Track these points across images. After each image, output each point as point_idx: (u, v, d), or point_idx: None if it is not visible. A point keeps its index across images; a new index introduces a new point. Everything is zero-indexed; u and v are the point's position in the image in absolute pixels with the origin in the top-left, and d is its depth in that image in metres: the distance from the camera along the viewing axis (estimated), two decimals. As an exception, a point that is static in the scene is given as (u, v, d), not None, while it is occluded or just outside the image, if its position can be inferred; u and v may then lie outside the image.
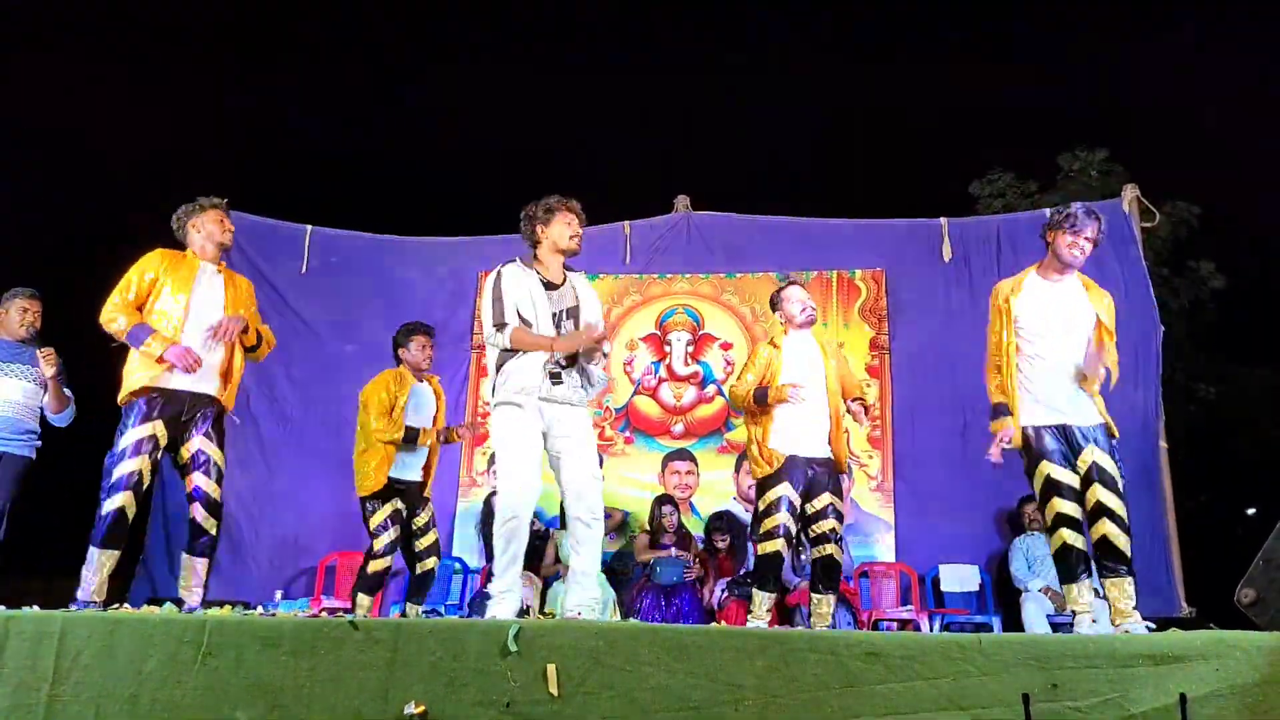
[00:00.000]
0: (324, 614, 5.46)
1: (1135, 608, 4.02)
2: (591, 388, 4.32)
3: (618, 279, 7.96)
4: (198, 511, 4.47)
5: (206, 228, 4.67)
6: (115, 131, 14.21)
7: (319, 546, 7.18)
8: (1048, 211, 7.58)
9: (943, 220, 7.61)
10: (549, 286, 4.31)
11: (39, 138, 13.55)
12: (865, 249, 7.75)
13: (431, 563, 5.56)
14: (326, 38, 18.32)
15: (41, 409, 5.17)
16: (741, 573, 6.45)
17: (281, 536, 7.25)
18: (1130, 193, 7.46)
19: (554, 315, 4.25)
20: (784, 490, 4.94)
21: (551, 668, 2.90)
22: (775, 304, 5.34)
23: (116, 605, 4.00)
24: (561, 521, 6.72)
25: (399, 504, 5.43)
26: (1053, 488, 4.10)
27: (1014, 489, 6.50)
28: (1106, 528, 4.04)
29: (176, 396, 4.42)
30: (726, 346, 7.72)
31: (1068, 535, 4.06)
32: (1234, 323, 13.42)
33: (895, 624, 6.21)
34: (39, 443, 5.18)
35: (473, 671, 2.95)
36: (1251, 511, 14.26)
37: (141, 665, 3.10)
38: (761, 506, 5.04)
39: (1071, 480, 4.10)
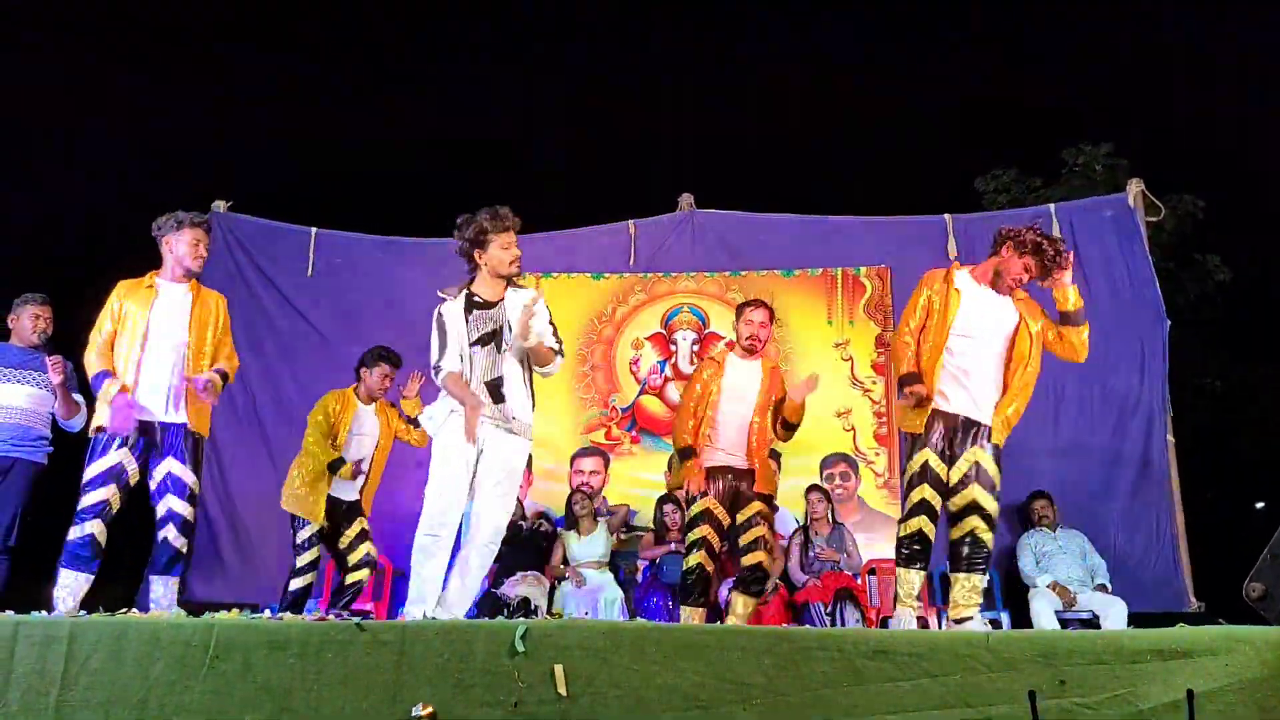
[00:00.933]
0: (331, 617, 5.51)
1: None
2: (508, 407, 4.20)
3: (623, 278, 7.96)
4: (170, 532, 4.46)
5: (178, 249, 4.59)
6: (119, 131, 14.26)
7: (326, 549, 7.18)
8: (1052, 207, 7.63)
9: (947, 217, 7.61)
10: (482, 306, 4.23)
11: (42, 138, 13.60)
12: (870, 246, 7.75)
13: (361, 574, 5.57)
14: (329, 37, 18.34)
15: (54, 415, 5.18)
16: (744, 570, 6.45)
17: (289, 539, 7.25)
18: (1135, 187, 7.46)
19: (474, 341, 4.17)
20: (708, 503, 5.03)
21: (559, 668, 2.90)
22: (738, 314, 5.33)
23: (124, 610, 4.01)
24: (568, 522, 6.73)
25: (325, 522, 5.50)
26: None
27: (1022, 485, 6.49)
28: (976, 523, 4.16)
29: (145, 427, 4.45)
30: (732, 345, 7.69)
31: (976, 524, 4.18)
32: (1240, 316, 13.38)
33: (903, 621, 6.21)
34: (50, 449, 5.20)
35: (480, 672, 2.94)
36: (1260, 506, 14.21)
37: (149, 669, 3.11)
38: (687, 518, 5.18)
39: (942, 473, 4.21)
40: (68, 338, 5.25)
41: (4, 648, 3.22)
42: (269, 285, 7.80)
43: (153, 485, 4.48)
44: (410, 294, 7.83)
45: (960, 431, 4.21)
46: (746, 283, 7.80)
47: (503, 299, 4.26)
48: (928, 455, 4.18)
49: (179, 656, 3.11)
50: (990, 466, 4.18)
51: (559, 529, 6.77)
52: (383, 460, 5.73)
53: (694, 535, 5.04)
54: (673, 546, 6.45)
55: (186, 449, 4.49)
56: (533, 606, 5.61)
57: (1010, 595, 6.57)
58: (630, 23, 18.74)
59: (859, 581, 6.38)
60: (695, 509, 5.05)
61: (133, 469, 4.44)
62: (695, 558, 5.01)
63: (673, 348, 7.82)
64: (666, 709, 2.85)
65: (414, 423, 5.69)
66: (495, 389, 4.15)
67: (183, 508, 4.46)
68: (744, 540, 5.08)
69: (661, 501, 6.71)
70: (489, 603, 5.59)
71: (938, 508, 4.22)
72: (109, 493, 4.38)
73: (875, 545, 6.97)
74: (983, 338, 4.24)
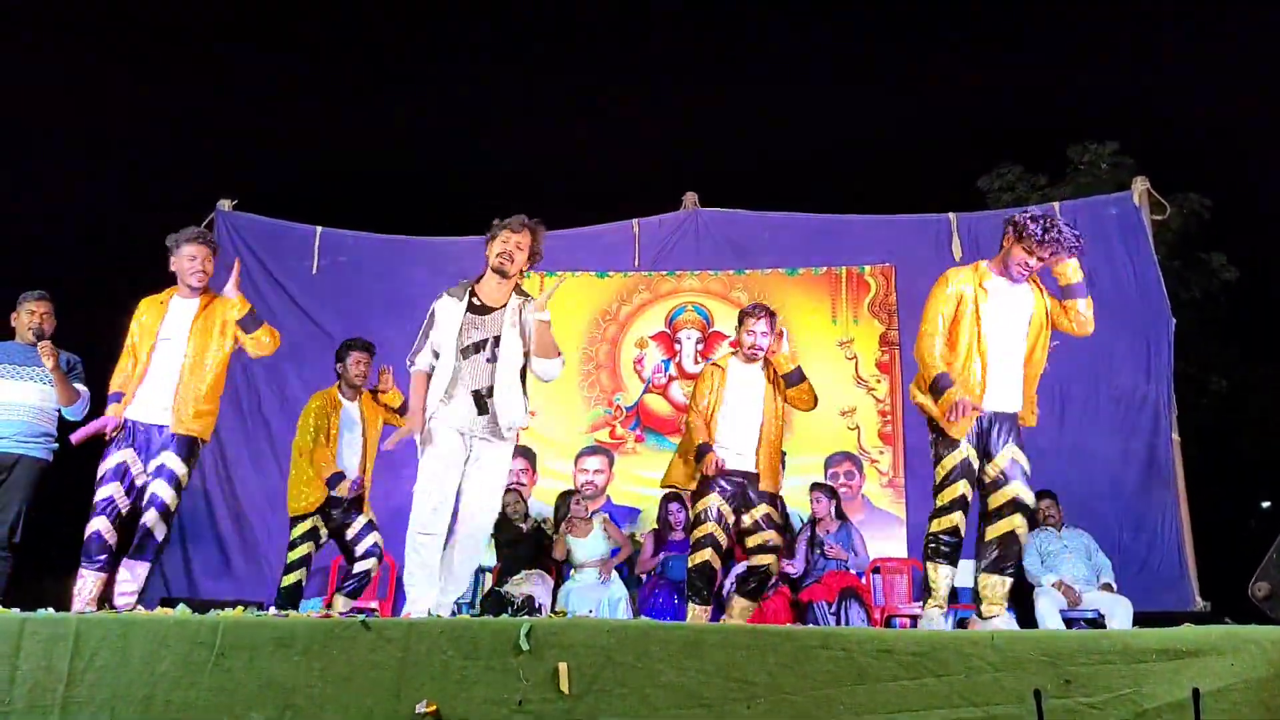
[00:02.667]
0: (338, 604, 5.53)
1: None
2: (495, 418, 4.19)
3: (627, 277, 7.96)
4: (150, 517, 4.52)
5: (181, 265, 4.73)
6: (123, 131, 14.28)
7: (332, 547, 7.19)
8: (1057, 205, 7.63)
9: (951, 215, 7.60)
10: (480, 311, 4.22)
11: (45, 138, 13.62)
12: (874, 244, 7.74)
13: (369, 564, 5.58)
14: (332, 36, 18.35)
15: (59, 410, 5.20)
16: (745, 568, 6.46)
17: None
18: (1140, 185, 7.44)
19: (465, 349, 4.17)
20: (713, 500, 4.99)
21: (563, 666, 2.90)
22: (740, 321, 5.25)
23: (130, 606, 4.03)
24: (556, 518, 6.74)
25: (318, 521, 5.53)
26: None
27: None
28: (1018, 523, 4.14)
29: (144, 427, 4.60)
30: (736, 344, 7.69)
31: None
32: (1246, 315, 13.36)
33: (907, 620, 6.20)
34: (55, 445, 5.21)
35: (484, 670, 2.94)
36: (1266, 504, 14.19)
37: (155, 666, 3.11)
38: (692, 515, 5.12)
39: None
40: (72, 335, 5.26)
41: (10, 645, 3.24)
42: (274, 284, 7.81)
43: (148, 473, 4.58)
44: (415, 292, 7.84)
45: (994, 426, 4.18)
46: (750, 281, 7.80)
47: (503, 307, 4.25)
48: (967, 451, 4.15)
49: (185, 654, 3.12)
50: (1022, 459, 4.17)
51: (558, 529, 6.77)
52: (373, 451, 5.73)
53: (700, 532, 5.00)
54: (674, 550, 6.45)
55: (184, 444, 4.60)
56: (537, 605, 5.61)
57: (1015, 595, 6.55)
58: (633, 21, 18.74)
59: (863, 581, 6.38)
60: (700, 505, 5.03)
61: (138, 469, 4.54)
62: (701, 555, 4.98)
63: (677, 347, 7.82)
64: (670, 707, 2.85)
65: (402, 410, 5.70)
66: (481, 398, 4.14)
67: (166, 494, 4.53)
68: (751, 543, 5.05)
69: (666, 500, 6.70)
70: (493, 601, 5.59)
71: (970, 504, 4.20)
72: (114, 490, 4.50)
73: (880, 544, 6.97)
74: (1010, 329, 4.23)
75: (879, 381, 7.43)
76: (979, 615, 4.24)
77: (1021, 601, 6.41)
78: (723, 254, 7.90)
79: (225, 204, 7.93)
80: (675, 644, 2.92)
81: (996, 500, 4.17)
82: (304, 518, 5.51)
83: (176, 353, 4.65)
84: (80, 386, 5.20)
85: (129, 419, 4.58)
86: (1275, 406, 13.17)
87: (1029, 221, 4.19)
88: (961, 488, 4.17)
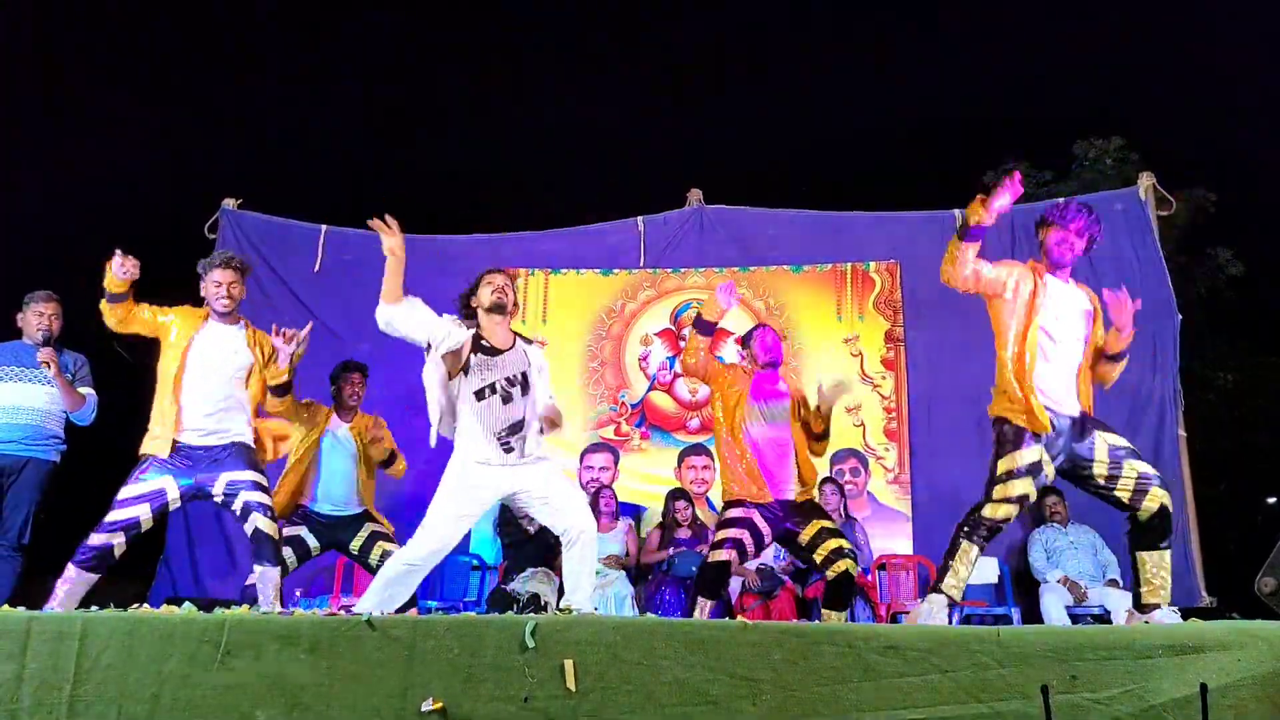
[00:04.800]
0: (342, 612, 5.52)
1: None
2: (542, 437, 4.35)
3: (632, 274, 7.96)
4: (259, 521, 4.53)
5: (208, 290, 4.76)
6: (126, 132, 14.29)
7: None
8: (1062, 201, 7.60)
9: (957, 212, 7.58)
10: (489, 353, 4.26)
11: (49, 140, 13.64)
12: (880, 241, 7.74)
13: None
14: (336, 36, 18.36)
15: (67, 413, 5.21)
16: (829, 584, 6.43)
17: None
18: (1146, 180, 7.43)
19: (494, 383, 4.21)
20: (748, 511, 4.88)
21: (569, 663, 2.91)
22: (746, 343, 5.30)
23: (136, 605, 4.03)
24: None
25: (303, 531, 5.38)
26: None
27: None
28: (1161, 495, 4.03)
29: (191, 453, 4.56)
30: (741, 341, 7.69)
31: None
32: (1252, 310, 13.32)
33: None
34: (64, 447, 5.22)
35: (490, 667, 2.95)
36: (1272, 500, 14.15)
37: (162, 665, 3.12)
38: (721, 518, 5.01)
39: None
40: (77, 337, 5.27)
41: (17, 644, 3.24)
42: (279, 283, 7.82)
43: (218, 499, 4.58)
44: (420, 290, 7.82)
45: (1074, 425, 4.14)
46: (755, 278, 7.80)
47: (512, 348, 4.31)
48: (1040, 452, 4.06)
49: (191, 652, 3.12)
50: (1118, 440, 4.13)
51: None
52: (367, 471, 5.66)
53: (728, 534, 4.86)
54: (681, 546, 6.44)
55: (240, 457, 4.61)
56: (543, 602, 5.61)
57: (1021, 591, 6.56)
58: (636, 17, 18.73)
59: (868, 577, 6.38)
60: (736, 512, 4.89)
61: (174, 496, 4.51)
62: (723, 554, 4.87)
63: (682, 344, 7.81)
64: (676, 704, 2.85)
65: (386, 464, 5.74)
66: (505, 439, 4.19)
67: (261, 497, 4.56)
68: (820, 555, 4.84)
69: (672, 496, 6.70)
70: (499, 598, 5.59)
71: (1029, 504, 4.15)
72: (142, 512, 4.45)
73: (885, 541, 6.97)
74: (1069, 329, 4.22)
75: (884, 378, 7.42)
76: (1138, 606, 4.08)
77: (1028, 598, 6.42)
78: (727, 251, 7.90)
79: (230, 203, 7.94)
80: (681, 641, 2.92)
81: (1126, 487, 4.05)
82: (286, 522, 5.38)
83: (231, 374, 4.70)
84: (87, 391, 5.20)
85: (179, 442, 4.53)
86: (1281, 402, 13.13)
87: (1048, 209, 4.27)
88: (1027, 485, 4.06)
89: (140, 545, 5.01)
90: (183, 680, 3.09)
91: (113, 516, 4.42)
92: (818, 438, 5.11)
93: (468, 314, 4.39)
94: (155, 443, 4.54)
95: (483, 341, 4.28)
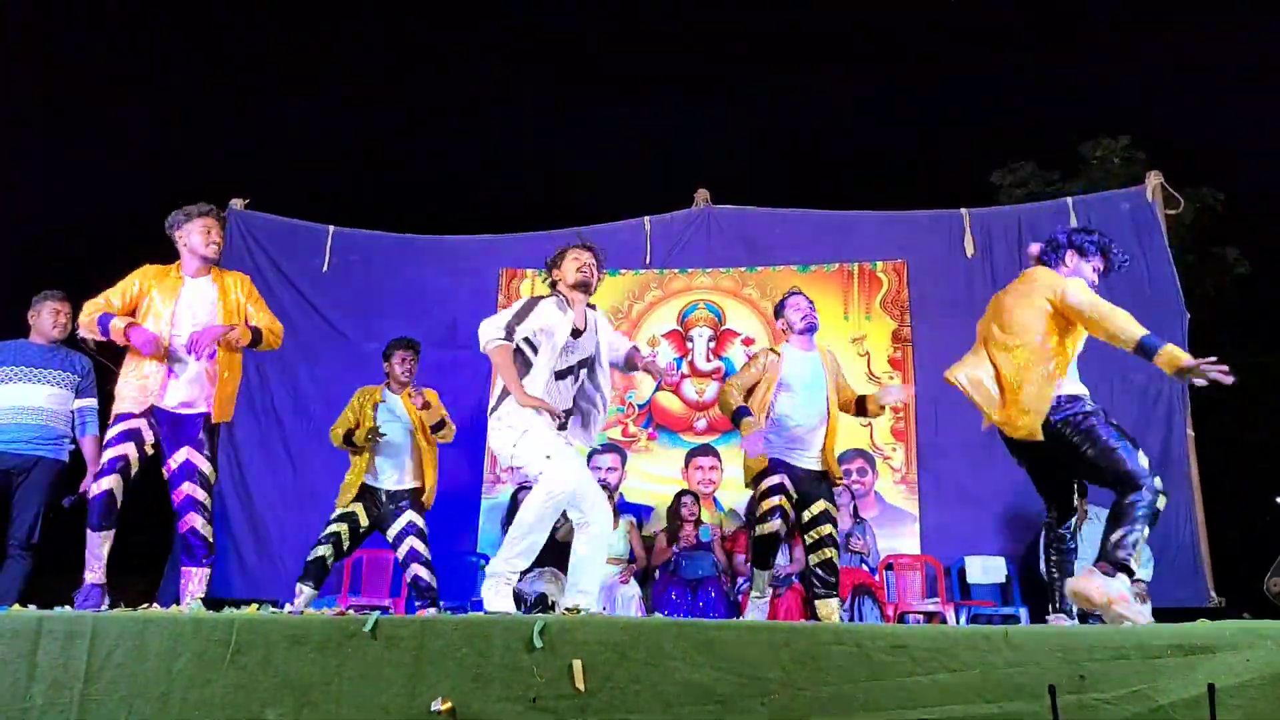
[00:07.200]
0: (351, 612, 5.54)
1: None
2: (590, 428, 4.41)
3: (638, 274, 7.97)
4: (196, 521, 4.43)
5: (190, 240, 4.56)
6: (128, 131, 14.33)
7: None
8: (1070, 200, 7.59)
9: (964, 211, 7.60)
10: (575, 334, 4.26)
11: (53, 139, 13.68)
12: (886, 240, 7.73)
13: (413, 572, 5.58)
14: (342, 35, 18.39)
15: (74, 413, 5.22)
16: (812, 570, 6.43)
17: (308, 535, 7.30)
18: (1154, 180, 7.41)
19: (561, 372, 4.22)
20: (779, 477, 5.02)
21: (577, 663, 2.91)
22: (779, 312, 5.37)
23: (146, 605, 4.05)
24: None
25: (356, 507, 5.62)
26: None
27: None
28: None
29: (163, 415, 4.44)
30: (748, 342, 7.70)
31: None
32: (1259, 309, 13.28)
33: (921, 616, 6.21)
34: (72, 446, 5.24)
35: (498, 667, 2.96)
36: (1279, 499, 14.10)
37: (172, 664, 3.14)
38: (757, 492, 5.12)
39: None
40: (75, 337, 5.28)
41: (28, 643, 3.27)
42: (286, 283, 7.84)
43: (169, 471, 4.46)
44: (427, 290, 7.88)
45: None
46: (762, 278, 7.80)
47: (588, 324, 4.34)
48: None
49: (200, 652, 3.14)
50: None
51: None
52: (430, 445, 5.79)
53: (769, 504, 5.00)
54: (685, 545, 6.45)
55: (204, 439, 4.47)
56: (550, 603, 5.62)
57: (1029, 591, 6.55)
58: (643, 18, 18.73)
59: (876, 577, 6.38)
60: (768, 483, 5.03)
61: (150, 437, 4.42)
62: (771, 525, 5.00)
63: (689, 344, 7.82)
64: (684, 704, 2.85)
65: (437, 428, 5.82)
66: (584, 416, 4.36)
67: (204, 497, 4.47)
68: (810, 538, 5.07)
69: (679, 495, 6.70)
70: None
71: None
72: (126, 448, 4.36)
73: (892, 540, 6.96)
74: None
75: (891, 378, 7.40)
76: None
77: (1037, 598, 6.41)
78: (734, 251, 7.90)
79: (238, 203, 7.96)
80: (689, 640, 2.93)
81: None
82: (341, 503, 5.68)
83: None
84: (85, 403, 5.22)
85: (145, 409, 4.40)
86: (1290, 400, 13.09)
87: (1087, 243, 4.33)
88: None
89: (146, 544, 5.03)
90: (193, 679, 3.11)
91: (105, 457, 4.35)
92: (867, 414, 5.43)
93: (550, 283, 4.39)
94: (128, 403, 4.43)
95: (575, 324, 4.29)
